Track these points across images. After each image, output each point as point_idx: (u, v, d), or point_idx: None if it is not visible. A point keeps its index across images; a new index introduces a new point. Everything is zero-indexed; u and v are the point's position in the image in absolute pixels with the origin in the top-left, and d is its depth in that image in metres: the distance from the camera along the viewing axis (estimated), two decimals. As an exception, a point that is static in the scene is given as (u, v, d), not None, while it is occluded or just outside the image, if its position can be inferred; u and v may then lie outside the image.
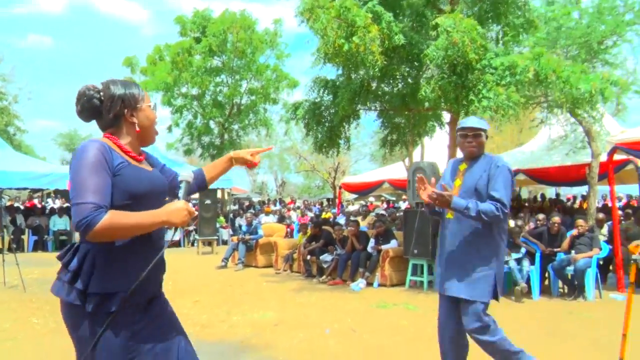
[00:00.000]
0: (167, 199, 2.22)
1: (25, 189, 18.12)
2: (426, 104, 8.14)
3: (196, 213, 2.06)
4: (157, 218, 1.99)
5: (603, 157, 10.33)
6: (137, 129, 2.18)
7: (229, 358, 5.07)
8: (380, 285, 9.36)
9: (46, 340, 5.61)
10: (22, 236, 15.33)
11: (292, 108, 10.36)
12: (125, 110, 2.15)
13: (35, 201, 23.99)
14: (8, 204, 19.66)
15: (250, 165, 2.57)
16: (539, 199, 19.21)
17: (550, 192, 23.50)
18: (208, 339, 5.58)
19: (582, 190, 17.10)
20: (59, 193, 24.64)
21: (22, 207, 19.71)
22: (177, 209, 2.01)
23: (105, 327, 1.98)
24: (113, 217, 1.90)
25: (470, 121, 3.71)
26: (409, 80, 9.04)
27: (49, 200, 25.64)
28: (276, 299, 8.13)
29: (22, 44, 68.01)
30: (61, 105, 78.13)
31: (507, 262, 8.14)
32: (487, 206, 3.45)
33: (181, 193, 2.17)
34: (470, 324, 3.56)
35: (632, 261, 4.08)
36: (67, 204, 19.48)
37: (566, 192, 24.13)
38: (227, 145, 20.92)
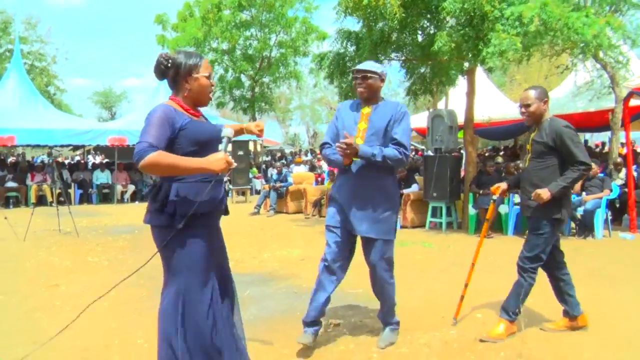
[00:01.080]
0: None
1: (68, 145, 19.03)
2: (441, 55, 8.41)
3: (235, 164, 2.47)
4: (198, 164, 2.51)
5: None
6: (192, 93, 2.70)
7: (259, 285, 5.76)
8: (402, 227, 9.96)
9: (101, 274, 6.43)
10: (69, 190, 16.33)
11: (318, 59, 10.75)
12: (181, 78, 2.68)
13: (77, 157, 25.09)
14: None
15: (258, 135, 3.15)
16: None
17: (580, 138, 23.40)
18: (241, 272, 6.27)
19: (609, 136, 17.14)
20: (99, 149, 25.62)
21: (66, 163, 20.80)
22: (218, 159, 2.52)
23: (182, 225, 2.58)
24: (159, 155, 2.43)
25: (363, 64, 3.74)
26: (428, 31, 9.33)
27: (89, 156, 26.75)
28: (304, 239, 8.82)
29: (55, 3, 68.83)
30: (95, 63, 79.27)
31: (519, 204, 8.62)
32: (391, 151, 3.55)
33: (222, 146, 2.66)
34: (377, 259, 3.74)
35: (491, 201, 4.39)
36: (107, 160, 20.46)
37: (596, 139, 24.06)
38: (258, 97, 21.39)
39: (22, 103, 16.69)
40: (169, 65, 2.67)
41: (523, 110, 3.97)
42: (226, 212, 2.93)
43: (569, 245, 7.89)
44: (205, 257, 2.68)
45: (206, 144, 2.67)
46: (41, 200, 15.18)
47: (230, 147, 2.73)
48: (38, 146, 20.20)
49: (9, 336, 4.18)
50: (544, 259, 3.92)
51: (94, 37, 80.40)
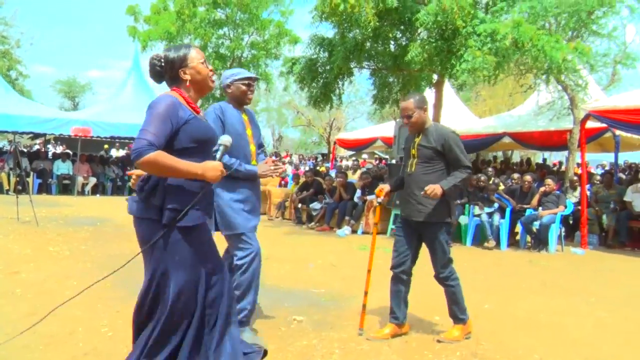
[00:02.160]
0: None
1: (29, 133, 18.54)
2: (413, 66, 8.65)
3: (226, 173, 2.55)
4: (194, 169, 2.51)
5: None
6: (193, 83, 2.69)
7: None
8: (364, 232, 10.15)
9: (63, 263, 6.34)
10: (27, 179, 15.94)
11: (290, 63, 10.86)
12: (177, 70, 2.67)
13: (37, 146, 24.46)
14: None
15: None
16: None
17: (539, 157, 24.18)
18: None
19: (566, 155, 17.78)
20: (60, 139, 25.00)
21: (26, 151, 20.28)
22: (213, 167, 2.56)
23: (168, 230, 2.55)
24: (158, 156, 2.40)
25: (249, 72, 3.99)
26: (401, 42, 9.57)
27: (49, 146, 26.08)
28: (268, 239, 8.85)
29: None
30: (58, 51, 77.41)
31: (479, 216, 8.93)
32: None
33: (218, 154, 2.68)
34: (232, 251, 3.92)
35: (377, 203, 4.37)
36: (68, 150, 20.01)
37: (555, 158, 24.86)
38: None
39: (-18, 87, 16.21)
40: (162, 63, 2.68)
41: (406, 121, 4.05)
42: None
43: (524, 258, 8.23)
44: (195, 253, 2.63)
45: (205, 143, 2.68)
46: (-2, 188, 14.77)
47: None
48: (-2, 132, 19.62)
49: (-32, 319, 4.13)
50: (451, 258, 4.09)
51: (60, 24, 78.60)
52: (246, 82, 3.88)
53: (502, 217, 8.98)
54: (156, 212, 2.57)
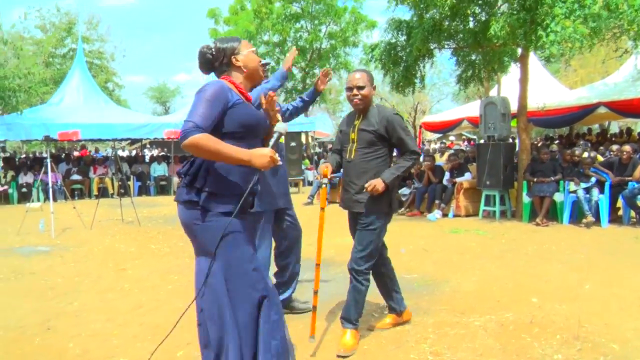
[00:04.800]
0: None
1: (127, 139, 19.75)
2: (496, 41, 8.31)
3: (280, 162, 2.48)
4: (241, 155, 2.42)
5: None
6: (245, 70, 2.67)
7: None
8: (455, 215, 9.96)
9: (164, 259, 6.76)
10: (128, 182, 16.96)
11: (369, 49, 10.80)
12: (232, 58, 2.67)
13: (134, 151, 25.90)
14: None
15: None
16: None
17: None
18: (297, 257, 6.48)
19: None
20: (154, 143, 26.35)
21: (125, 157, 21.59)
22: (262, 154, 2.45)
23: (234, 215, 2.48)
24: (202, 138, 2.35)
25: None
26: (480, 17, 9.24)
27: (145, 150, 27.60)
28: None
29: (112, 3, 71.13)
30: (148, 60, 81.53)
31: (575, 192, 8.48)
32: None
33: (271, 142, 2.58)
34: None
35: (323, 185, 3.72)
36: (163, 153, 21.10)
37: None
38: (309, 89, 21.64)
39: (86, 99, 17.43)
40: (213, 52, 2.68)
41: (355, 92, 3.56)
42: (251, 206, 2.74)
43: (629, 234, 7.75)
44: (238, 234, 2.54)
45: (253, 128, 2.60)
46: (103, 192, 15.86)
47: (283, 139, 2.71)
48: (100, 140, 21.01)
49: (86, 313, 4.52)
50: (376, 256, 3.62)
51: (146, 34, 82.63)
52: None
53: (602, 192, 8.48)
54: (197, 195, 2.51)
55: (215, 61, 2.69)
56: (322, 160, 3.32)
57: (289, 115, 4.48)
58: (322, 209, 3.63)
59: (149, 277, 5.74)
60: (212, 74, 2.77)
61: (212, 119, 2.43)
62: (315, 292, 3.58)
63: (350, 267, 3.61)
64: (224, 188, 2.51)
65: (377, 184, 3.44)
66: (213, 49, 2.68)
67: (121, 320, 4.32)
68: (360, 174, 3.57)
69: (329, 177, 3.62)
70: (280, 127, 2.65)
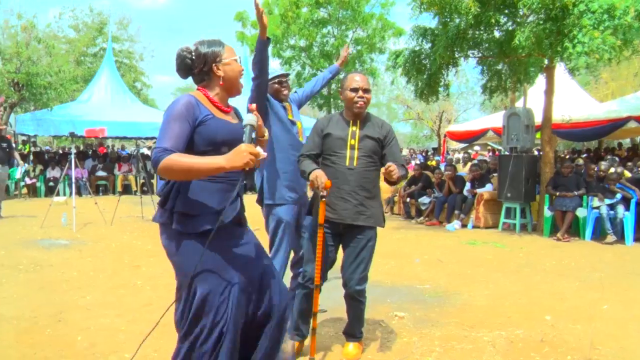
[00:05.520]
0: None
1: (152, 138, 20.09)
2: (520, 51, 8.19)
3: (264, 155, 2.25)
4: (216, 162, 2.18)
5: None
6: (222, 82, 2.43)
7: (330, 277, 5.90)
8: (474, 226, 9.84)
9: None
10: (152, 180, 17.16)
11: (394, 56, 10.74)
12: (212, 65, 2.42)
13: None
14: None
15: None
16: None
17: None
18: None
19: None
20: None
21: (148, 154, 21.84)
22: (237, 152, 2.16)
23: (209, 240, 2.26)
24: (171, 159, 2.17)
25: (279, 70, 4.06)
26: (506, 27, 9.13)
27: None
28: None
29: (142, 4, 72.43)
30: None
31: (598, 208, 8.29)
32: None
33: (245, 137, 2.26)
34: None
35: (321, 198, 3.27)
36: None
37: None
38: (335, 94, 21.61)
39: (113, 98, 17.79)
40: (193, 57, 2.43)
41: (362, 94, 3.34)
42: (240, 224, 2.53)
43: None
44: (215, 261, 2.35)
45: (222, 145, 2.34)
46: (126, 189, 16.09)
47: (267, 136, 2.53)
48: (125, 138, 21.36)
49: (97, 308, 4.60)
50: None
51: (176, 35, 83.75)
52: (277, 80, 3.96)
53: (627, 209, 8.28)
54: (170, 217, 2.36)
55: (195, 67, 2.45)
56: (312, 168, 2.99)
57: (308, 94, 4.61)
58: (321, 225, 3.27)
59: (162, 275, 5.77)
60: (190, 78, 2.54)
61: (183, 137, 2.27)
62: (314, 314, 3.34)
63: (352, 290, 3.36)
64: (196, 208, 2.34)
65: (395, 170, 3.15)
66: (193, 53, 2.44)
67: (130, 316, 4.37)
68: (365, 183, 3.34)
69: (328, 188, 3.22)
70: (249, 119, 2.33)
